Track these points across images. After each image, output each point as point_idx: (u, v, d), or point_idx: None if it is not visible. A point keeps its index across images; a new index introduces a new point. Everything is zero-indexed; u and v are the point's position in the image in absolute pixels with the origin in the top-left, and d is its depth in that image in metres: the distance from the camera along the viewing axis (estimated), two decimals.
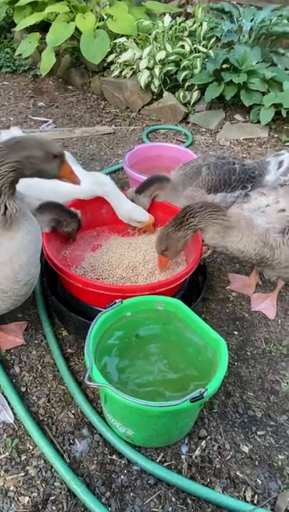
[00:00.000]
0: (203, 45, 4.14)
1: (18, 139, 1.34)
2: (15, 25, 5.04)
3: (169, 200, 2.26)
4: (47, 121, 4.14)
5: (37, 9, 4.82)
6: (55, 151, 1.39)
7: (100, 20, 4.39)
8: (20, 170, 1.35)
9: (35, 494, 1.44)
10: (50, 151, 1.37)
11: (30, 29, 4.92)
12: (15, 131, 2.53)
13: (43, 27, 4.83)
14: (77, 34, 4.31)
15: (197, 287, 2.07)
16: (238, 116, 4.15)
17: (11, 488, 1.46)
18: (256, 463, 1.58)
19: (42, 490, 1.45)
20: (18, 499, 1.43)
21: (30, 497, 1.43)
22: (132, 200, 2.21)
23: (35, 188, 2.17)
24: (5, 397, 1.71)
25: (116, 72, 4.37)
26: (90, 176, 2.20)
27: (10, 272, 1.45)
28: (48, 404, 1.71)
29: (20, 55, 4.86)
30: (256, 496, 1.49)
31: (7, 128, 3.90)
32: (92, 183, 2.14)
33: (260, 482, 1.53)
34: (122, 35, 4.32)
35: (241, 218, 1.83)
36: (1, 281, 1.46)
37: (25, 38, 4.93)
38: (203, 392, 1.31)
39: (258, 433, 1.67)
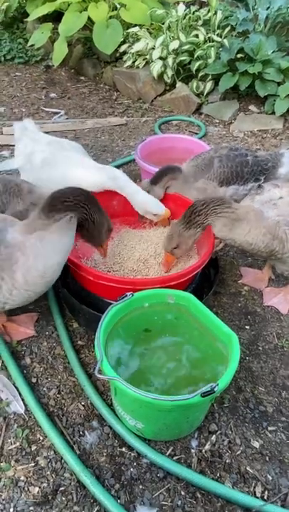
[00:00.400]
0: (217, 34, 4.06)
1: (100, 207, 1.62)
2: (27, 15, 5.02)
3: (180, 191, 2.23)
4: (59, 113, 4.12)
5: None
6: (111, 226, 1.73)
7: (112, 10, 4.33)
8: (85, 221, 1.60)
9: (45, 485, 1.45)
10: (110, 226, 1.72)
11: (43, 19, 4.89)
12: (28, 124, 2.52)
13: (56, 17, 4.79)
14: (89, 24, 4.27)
15: (209, 281, 2.05)
16: (252, 107, 4.07)
17: (22, 478, 1.47)
18: (267, 458, 1.57)
19: (52, 481, 1.46)
20: (28, 489, 1.44)
21: (40, 487, 1.44)
22: (147, 192, 2.18)
23: (46, 181, 2.17)
24: (16, 387, 1.72)
25: (128, 63, 4.32)
26: (101, 169, 2.18)
27: (41, 266, 1.50)
28: (58, 395, 1.72)
29: (32, 45, 4.84)
30: (266, 492, 1.48)
31: (20, 119, 3.91)
32: (107, 177, 2.12)
33: (270, 478, 1.51)
34: (135, 25, 4.26)
35: (250, 210, 1.81)
36: (30, 272, 1.49)
37: (37, 28, 4.91)
38: (215, 387, 1.30)
39: (269, 428, 1.65)
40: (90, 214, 1.56)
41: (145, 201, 2.12)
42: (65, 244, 1.55)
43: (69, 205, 1.49)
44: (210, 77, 3.99)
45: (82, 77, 4.89)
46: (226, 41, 3.91)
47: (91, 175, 2.15)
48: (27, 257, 1.48)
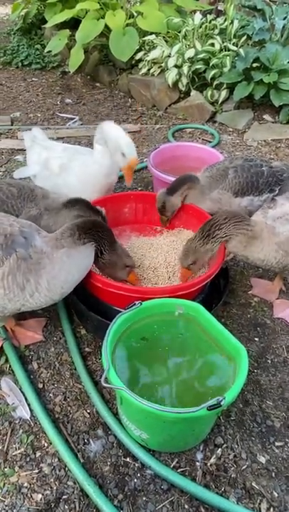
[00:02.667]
0: (233, 44, 4.07)
1: (118, 244, 1.79)
2: (45, 22, 5.10)
3: (195, 202, 2.22)
4: (73, 118, 4.16)
5: (67, 6, 4.86)
6: (128, 263, 1.82)
7: (129, 18, 4.38)
8: (102, 265, 1.80)
9: (48, 492, 1.45)
10: (125, 263, 1.81)
11: (60, 26, 4.97)
12: (36, 132, 2.55)
13: (73, 24, 4.86)
14: (106, 31, 4.32)
15: (218, 291, 2.04)
16: (266, 117, 4.06)
17: (25, 484, 1.47)
18: (273, 474, 1.54)
19: (55, 488, 1.46)
20: (31, 496, 1.44)
21: (43, 494, 1.44)
22: (164, 202, 2.17)
23: (62, 187, 2.19)
24: (22, 392, 1.72)
25: (144, 70, 4.35)
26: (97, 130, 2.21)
27: (63, 278, 1.61)
28: (64, 402, 1.72)
29: (49, 51, 4.91)
30: (272, 509, 1.45)
31: (35, 124, 3.96)
32: (97, 137, 2.17)
33: (276, 495, 1.49)
34: (152, 33, 4.29)
35: (264, 227, 1.79)
36: (54, 280, 1.59)
37: (55, 34, 4.98)
38: (221, 401, 1.28)
39: (276, 444, 1.63)
40: (105, 252, 1.74)
41: (118, 138, 2.09)
42: (86, 264, 1.70)
43: (100, 236, 1.69)
44: (225, 85, 4.00)
45: (98, 84, 4.94)
46: (241, 50, 3.92)
47: (99, 164, 2.21)
48: (53, 266, 1.58)
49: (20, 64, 5.30)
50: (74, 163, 2.27)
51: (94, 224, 1.70)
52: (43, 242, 1.60)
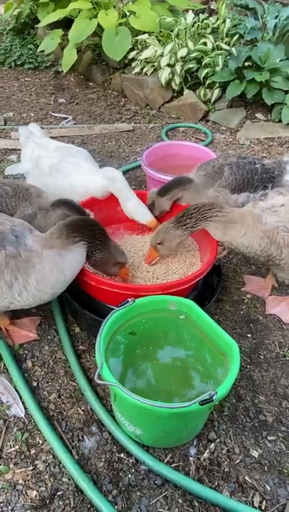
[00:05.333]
0: (225, 43, 4.09)
1: (111, 242, 1.78)
2: (38, 21, 5.09)
3: (192, 202, 2.22)
4: (67, 118, 4.16)
5: (60, 6, 4.85)
6: (120, 260, 1.81)
7: (122, 17, 4.38)
8: (94, 262, 1.77)
9: (42, 488, 1.46)
10: (117, 261, 1.80)
11: (53, 26, 4.96)
12: (33, 128, 2.55)
13: (66, 23, 4.86)
14: (99, 31, 4.32)
15: (211, 288, 2.06)
16: (259, 115, 4.09)
17: (20, 481, 1.48)
18: (266, 468, 1.56)
19: (50, 485, 1.47)
20: (26, 492, 1.45)
21: (38, 491, 1.45)
22: (153, 202, 2.20)
23: (53, 187, 2.19)
24: (17, 390, 1.73)
25: (137, 69, 4.36)
26: (103, 171, 2.21)
27: (54, 278, 1.60)
28: (58, 399, 1.73)
29: (42, 51, 4.91)
30: (264, 502, 1.47)
31: (28, 124, 3.95)
32: (104, 177, 2.15)
33: (268, 488, 1.50)
34: (144, 32, 4.30)
35: (247, 214, 1.83)
36: (43, 280, 1.58)
37: (47, 34, 4.98)
38: (213, 395, 1.30)
39: (269, 438, 1.65)
40: (95, 249, 1.72)
41: (134, 209, 2.17)
42: (77, 264, 1.69)
43: (89, 234, 1.67)
44: (217, 84, 4.01)
45: (91, 83, 4.94)
46: (233, 49, 3.94)
47: (95, 180, 2.18)
48: (43, 265, 1.57)
49: (13, 64, 5.29)
50: (66, 166, 2.27)
51: (83, 222, 1.69)
52: (34, 242, 1.60)
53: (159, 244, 1.91)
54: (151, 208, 2.22)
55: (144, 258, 2.03)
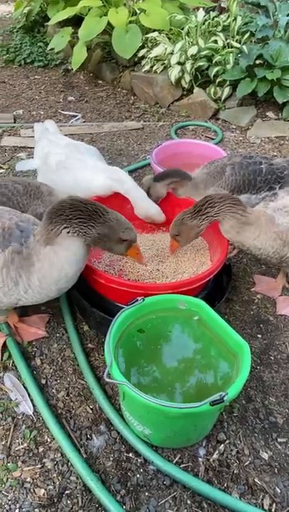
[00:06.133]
0: (236, 40, 4.05)
1: (111, 216, 1.56)
2: (48, 19, 5.10)
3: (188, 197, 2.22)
4: (76, 116, 4.16)
5: (70, 4, 4.85)
6: (125, 237, 1.62)
7: (132, 15, 4.37)
8: (95, 240, 1.56)
9: (50, 487, 1.45)
10: (120, 237, 1.61)
11: (63, 23, 4.97)
12: (49, 125, 2.55)
13: (76, 21, 4.85)
14: (109, 28, 4.31)
15: (221, 287, 2.04)
16: (270, 114, 4.05)
17: (28, 479, 1.47)
18: (276, 470, 1.54)
19: (58, 483, 1.46)
20: (34, 491, 1.44)
21: (46, 489, 1.45)
22: (149, 187, 2.19)
23: (59, 183, 2.19)
24: (25, 388, 1.73)
25: (147, 67, 4.34)
26: (109, 171, 2.20)
27: (56, 275, 1.53)
28: (67, 397, 1.72)
29: (52, 49, 4.91)
30: (274, 505, 1.45)
31: (37, 122, 3.96)
32: (111, 179, 2.14)
33: (278, 491, 1.48)
34: (154, 30, 4.28)
35: (261, 216, 1.79)
36: (45, 278, 1.53)
37: (57, 32, 4.98)
38: (224, 396, 1.28)
39: (279, 440, 1.63)
40: (83, 229, 1.51)
41: (147, 207, 2.16)
42: (76, 255, 1.54)
43: (64, 218, 1.48)
44: (228, 82, 3.98)
45: (100, 81, 4.93)
46: (245, 47, 3.90)
47: (99, 178, 2.17)
48: (42, 264, 1.51)
49: (23, 62, 5.30)
50: (73, 163, 2.26)
51: (54, 209, 1.49)
52: (34, 240, 1.55)
53: (177, 235, 1.87)
54: (147, 193, 2.21)
55: (169, 249, 2.01)
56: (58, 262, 1.51)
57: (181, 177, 2.20)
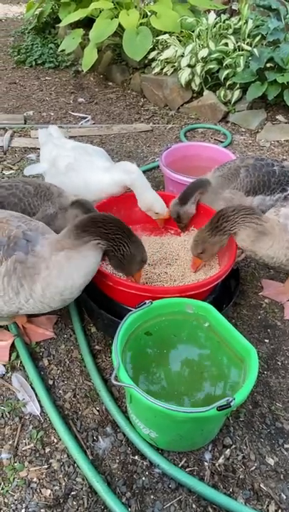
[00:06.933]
0: (247, 43, 4.05)
1: (137, 237, 1.66)
2: (59, 21, 5.13)
3: (208, 203, 2.21)
4: (86, 117, 4.18)
5: (81, 5, 4.88)
6: (145, 258, 1.73)
7: (143, 17, 4.38)
8: (117, 257, 1.64)
9: (57, 488, 1.46)
10: (142, 258, 1.71)
11: (74, 25, 4.99)
12: (53, 130, 2.57)
13: (87, 23, 4.88)
14: (119, 30, 4.33)
15: (229, 292, 2.04)
16: (280, 117, 4.04)
17: (34, 479, 1.48)
18: (281, 476, 1.54)
19: (64, 484, 1.47)
20: (40, 491, 1.45)
21: (52, 490, 1.46)
22: (178, 213, 2.18)
23: (69, 185, 2.20)
24: (33, 388, 1.74)
25: (157, 70, 4.35)
26: (117, 165, 2.21)
27: (62, 284, 1.51)
28: (73, 399, 1.74)
29: (63, 50, 4.94)
30: (280, 511, 1.44)
31: (48, 123, 3.99)
32: (120, 171, 2.15)
33: (284, 497, 1.48)
34: (165, 32, 4.29)
35: (276, 225, 1.79)
36: (49, 287, 1.51)
37: (68, 33, 5.01)
38: (231, 401, 1.28)
39: (285, 446, 1.62)
40: (118, 245, 1.59)
41: (151, 200, 2.15)
42: (89, 267, 1.57)
43: (101, 231, 1.54)
44: (238, 85, 3.98)
45: (111, 83, 4.95)
46: (255, 50, 3.89)
47: (109, 175, 2.18)
48: (50, 271, 1.49)
49: (34, 63, 5.34)
50: (82, 164, 2.28)
51: (92, 220, 1.55)
52: (43, 246, 1.53)
53: (201, 253, 1.89)
54: (177, 220, 2.20)
55: (190, 266, 2.01)
56: (68, 270, 1.51)
57: (204, 185, 2.19)
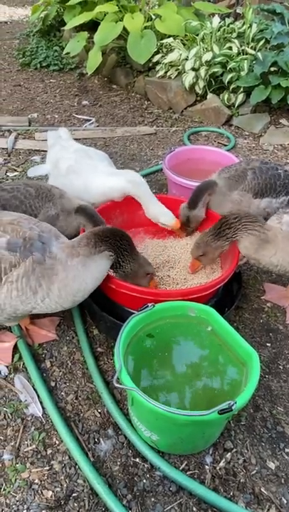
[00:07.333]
0: (251, 47, 4.06)
1: (138, 254, 1.77)
2: (64, 24, 5.16)
3: (216, 205, 2.21)
4: (90, 120, 4.20)
5: (86, 9, 4.91)
6: (149, 271, 1.82)
7: (147, 21, 4.40)
8: (123, 265, 1.74)
9: (58, 489, 1.47)
10: (146, 271, 1.80)
11: (79, 28, 5.02)
12: (62, 132, 2.59)
13: (92, 26, 4.90)
14: (124, 34, 4.35)
15: (231, 295, 2.04)
16: (283, 121, 4.04)
17: (36, 480, 1.49)
18: (282, 481, 1.54)
19: (65, 486, 1.48)
20: (41, 492, 1.46)
21: (53, 491, 1.47)
22: (188, 217, 2.18)
23: (69, 187, 2.22)
24: (35, 390, 1.75)
25: (161, 73, 4.37)
26: (122, 174, 2.22)
27: (76, 287, 1.60)
28: (75, 401, 1.74)
29: (68, 53, 4.97)
30: None
31: (52, 125, 4.01)
32: (127, 181, 2.15)
33: (285, 501, 1.48)
34: (170, 36, 4.31)
35: (278, 233, 1.80)
36: (66, 288, 1.58)
37: (73, 37, 5.04)
38: (232, 405, 1.29)
39: (286, 450, 1.63)
40: (123, 261, 1.71)
41: (157, 212, 2.17)
42: (100, 273, 1.68)
43: (117, 245, 1.66)
44: (242, 89, 3.99)
45: (115, 86, 4.97)
46: (259, 54, 3.90)
47: (112, 180, 2.19)
48: (67, 273, 1.57)
49: (38, 65, 5.37)
50: (83, 167, 2.29)
51: (112, 232, 1.67)
52: (59, 249, 1.61)
53: (202, 256, 1.91)
54: (187, 224, 2.20)
55: (189, 266, 2.02)
56: (82, 275, 1.59)
57: (212, 187, 2.19)
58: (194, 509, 1.44)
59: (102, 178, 2.22)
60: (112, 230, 1.69)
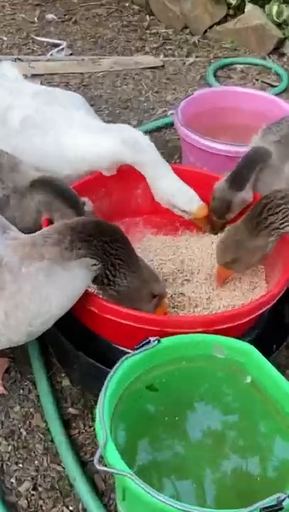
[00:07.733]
0: None
1: (141, 262, 1.77)
2: None
3: (264, 185, 2.21)
4: (59, 45, 4.22)
5: None
6: (157, 291, 1.80)
7: None
8: (114, 280, 1.72)
9: None
10: (151, 291, 1.79)
11: None
12: (7, 68, 2.60)
13: None
14: None
15: (282, 325, 2.06)
16: None
17: None
18: None
19: None
20: None
21: None
22: (230, 201, 2.18)
23: (27, 151, 2.22)
24: None
25: None
26: (114, 131, 2.23)
27: (35, 309, 1.58)
28: (33, 492, 1.75)
29: None
30: None
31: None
32: (120, 141, 2.17)
33: None
34: None
35: None
36: (17, 310, 1.56)
37: None
38: (283, 499, 1.29)
39: None
40: (114, 275, 1.69)
41: (175, 191, 2.16)
42: (74, 292, 1.66)
43: (105, 249, 1.63)
44: None
45: None
46: None
47: (99, 141, 2.21)
48: (19, 287, 1.54)
49: None
50: (49, 119, 2.31)
51: (98, 228, 1.65)
52: (7, 248, 1.58)
53: (232, 262, 1.92)
54: (224, 211, 2.21)
55: (215, 279, 2.04)
56: (45, 289, 1.56)
57: (263, 160, 2.21)
58: None
59: (82, 136, 2.24)
60: (99, 223, 1.68)
